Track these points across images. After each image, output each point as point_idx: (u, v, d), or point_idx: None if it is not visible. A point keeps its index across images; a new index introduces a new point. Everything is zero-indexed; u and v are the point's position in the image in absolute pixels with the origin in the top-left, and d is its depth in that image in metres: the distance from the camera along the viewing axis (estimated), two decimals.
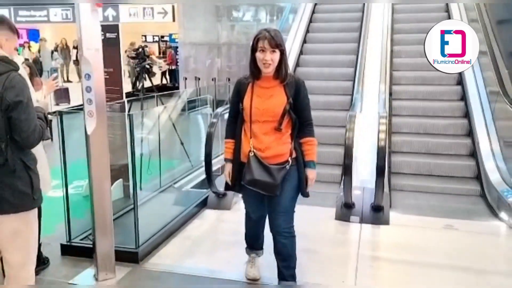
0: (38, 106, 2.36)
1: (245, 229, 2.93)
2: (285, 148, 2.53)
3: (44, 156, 2.80)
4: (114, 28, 4.22)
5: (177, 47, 14.40)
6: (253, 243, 2.95)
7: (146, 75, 7.11)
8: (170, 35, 17.00)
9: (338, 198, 4.17)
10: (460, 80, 6.17)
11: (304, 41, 7.76)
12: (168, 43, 18.53)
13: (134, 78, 10.37)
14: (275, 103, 2.51)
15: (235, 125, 2.65)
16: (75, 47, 16.46)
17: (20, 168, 2.09)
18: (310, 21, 8.25)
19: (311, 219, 3.87)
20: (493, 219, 4.17)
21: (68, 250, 3.30)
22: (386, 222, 3.92)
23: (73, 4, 2.82)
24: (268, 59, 2.43)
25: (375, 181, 3.77)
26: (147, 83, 7.64)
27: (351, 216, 3.98)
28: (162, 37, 20.02)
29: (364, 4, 8.02)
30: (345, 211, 4.01)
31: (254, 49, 2.49)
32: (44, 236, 3.22)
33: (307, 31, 8.01)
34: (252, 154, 2.51)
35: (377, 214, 3.95)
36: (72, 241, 3.34)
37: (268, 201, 2.60)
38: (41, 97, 2.86)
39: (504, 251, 3.58)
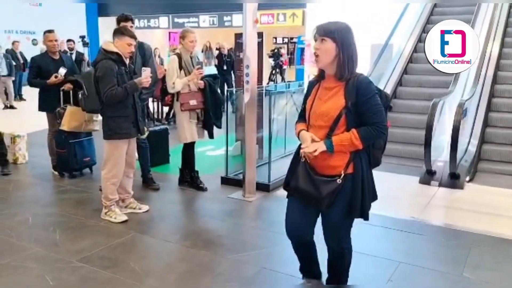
0: (133, 81, 3.71)
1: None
2: (338, 160, 2.26)
3: (183, 118, 4.48)
4: (260, 35, 5.88)
5: (303, 48, 16.01)
6: (304, 267, 2.71)
7: (279, 70, 8.80)
8: (299, 37, 18.70)
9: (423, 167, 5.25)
10: None
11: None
12: (296, 44, 20.27)
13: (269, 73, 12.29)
14: (331, 106, 2.26)
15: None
16: (218, 49, 19.15)
17: (106, 114, 3.74)
18: None
19: (398, 182, 5.06)
20: None
21: (225, 181, 5.05)
22: (460, 187, 4.91)
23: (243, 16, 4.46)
24: (317, 47, 2.22)
25: (449, 154, 4.80)
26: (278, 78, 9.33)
27: (432, 181, 5.05)
28: (291, 38, 21.84)
29: None
30: (427, 176, 5.09)
31: None
32: (208, 174, 5.02)
33: None
34: (303, 160, 2.35)
35: (454, 181, 4.96)
36: (228, 176, 5.09)
37: (321, 214, 2.45)
38: (180, 81, 4.40)
39: None
